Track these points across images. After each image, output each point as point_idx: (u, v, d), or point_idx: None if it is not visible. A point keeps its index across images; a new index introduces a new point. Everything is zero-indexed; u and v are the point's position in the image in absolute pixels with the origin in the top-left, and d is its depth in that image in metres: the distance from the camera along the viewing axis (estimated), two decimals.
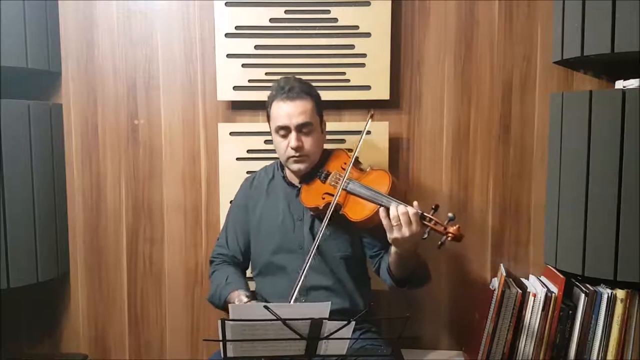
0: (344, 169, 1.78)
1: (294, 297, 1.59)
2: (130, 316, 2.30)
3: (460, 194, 2.19)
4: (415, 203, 1.60)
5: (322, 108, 1.84)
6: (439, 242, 1.57)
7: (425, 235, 1.59)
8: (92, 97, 2.23)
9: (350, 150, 1.99)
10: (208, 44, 2.18)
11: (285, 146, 1.76)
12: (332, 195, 1.72)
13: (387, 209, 1.59)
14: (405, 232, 1.55)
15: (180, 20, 2.19)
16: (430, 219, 1.59)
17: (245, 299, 1.69)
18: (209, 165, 2.23)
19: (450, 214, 1.57)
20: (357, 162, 1.82)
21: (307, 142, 1.76)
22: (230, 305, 1.36)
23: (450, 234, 1.56)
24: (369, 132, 1.96)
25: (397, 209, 1.57)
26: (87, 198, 2.27)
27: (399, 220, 1.56)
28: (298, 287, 1.60)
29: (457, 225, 1.56)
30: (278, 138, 1.78)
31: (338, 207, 1.72)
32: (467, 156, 2.18)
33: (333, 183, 1.78)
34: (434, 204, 1.61)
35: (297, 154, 1.76)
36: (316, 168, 1.82)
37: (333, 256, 1.80)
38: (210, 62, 2.18)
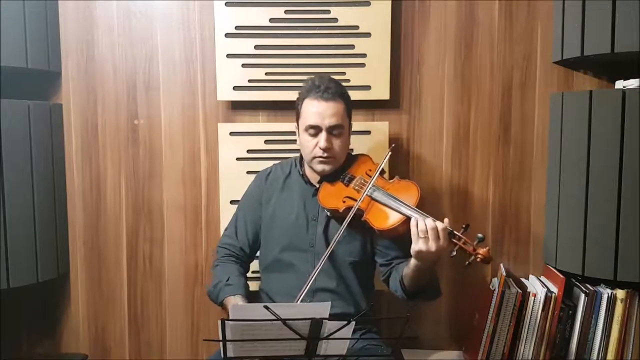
0: (368, 175, 1.78)
1: (301, 298, 1.59)
2: (130, 316, 2.30)
3: (460, 193, 2.19)
4: (446, 220, 1.59)
5: (351, 111, 1.83)
6: (467, 262, 1.57)
7: (454, 253, 1.58)
8: (92, 97, 2.23)
9: (351, 149, 1.99)
10: (208, 44, 2.18)
11: (313, 145, 1.75)
12: (354, 199, 1.72)
13: (417, 220, 1.59)
14: (432, 246, 1.54)
15: (180, 20, 2.19)
16: (460, 238, 1.58)
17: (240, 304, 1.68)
18: (209, 165, 2.23)
19: (480, 235, 1.56)
20: (381, 172, 1.80)
21: (336, 143, 1.75)
22: (230, 305, 1.36)
23: (480, 255, 1.56)
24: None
25: (427, 223, 1.56)
26: (87, 198, 2.27)
27: (427, 233, 1.55)
28: (307, 288, 1.60)
29: (487, 247, 1.56)
30: (306, 137, 1.76)
31: (360, 212, 1.70)
32: (467, 156, 2.18)
33: (357, 187, 1.76)
34: (465, 224, 1.60)
35: (325, 155, 1.74)
36: (339, 170, 1.81)
37: (343, 260, 1.79)
38: (210, 62, 2.18)
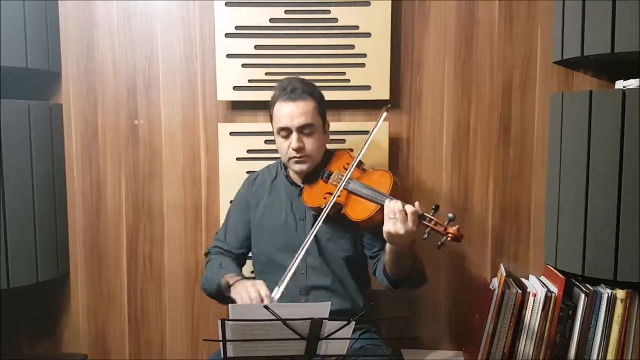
0: (345, 169, 1.79)
1: (283, 286, 1.58)
2: (130, 316, 2.30)
3: (461, 194, 2.19)
4: (416, 203, 1.60)
5: (325, 109, 1.83)
6: (439, 242, 1.58)
7: (425, 236, 1.59)
8: (92, 97, 2.24)
9: (351, 149, 1.99)
10: (208, 44, 2.18)
11: (286, 147, 1.77)
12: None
13: (388, 202, 1.60)
14: (400, 228, 1.55)
15: (180, 20, 2.19)
16: (430, 219, 1.59)
17: (237, 278, 1.70)
18: (209, 165, 2.23)
19: (450, 215, 1.58)
20: (360, 163, 1.82)
21: (309, 143, 1.76)
22: (230, 306, 1.36)
23: (450, 234, 1.57)
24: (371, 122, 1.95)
25: (395, 204, 1.57)
26: (87, 198, 2.27)
27: (395, 215, 1.56)
28: (286, 280, 1.60)
29: (456, 226, 1.57)
30: (280, 139, 1.79)
31: (339, 207, 1.72)
32: (467, 156, 2.18)
33: (335, 183, 1.78)
34: (434, 205, 1.61)
35: (298, 155, 1.76)
36: (319, 168, 1.83)
37: (336, 256, 1.80)
38: (210, 62, 2.18)
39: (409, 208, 1.57)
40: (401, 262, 1.67)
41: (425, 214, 1.60)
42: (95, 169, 2.26)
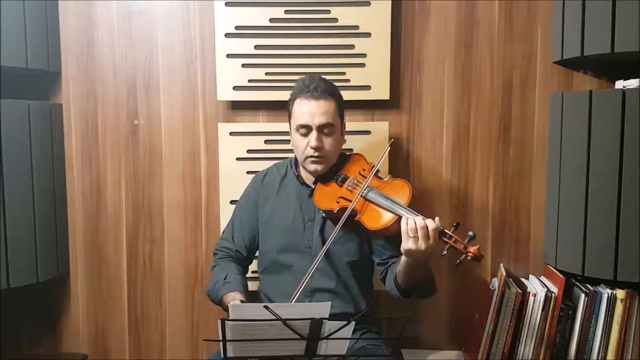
0: (362, 175, 1.78)
1: (296, 298, 1.58)
2: (130, 316, 2.30)
3: (460, 194, 2.19)
4: (436, 218, 1.58)
5: (343, 110, 1.83)
6: (458, 261, 1.56)
7: (444, 252, 1.58)
8: (92, 97, 2.23)
9: (351, 150, 1.99)
10: (208, 44, 2.18)
11: (304, 145, 1.75)
12: (348, 200, 1.71)
13: (407, 219, 1.58)
14: (422, 245, 1.54)
15: (180, 20, 2.19)
16: (451, 236, 1.58)
17: (237, 303, 1.66)
18: (209, 165, 2.23)
19: (470, 233, 1.56)
20: (376, 171, 1.80)
21: (327, 142, 1.75)
22: (230, 305, 1.36)
23: (470, 254, 1.55)
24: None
25: (417, 222, 1.55)
26: (87, 198, 2.27)
27: (417, 232, 1.54)
28: (301, 288, 1.59)
29: (477, 245, 1.56)
30: (298, 136, 1.76)
31: (354, 213, 1.70)
32: (467, 156, 2.18)
33: (350, 188, 1.76)
34: (455, 222, 1.60)
35: (316, 154, 1.74)
36: (333, 170, 1.81)
37: (340, 260, 1.79)
38: (210, 62, 2.18)
39: (429, 224, 1.55)
40: (414, 274, 1.65)
41: (445, 230, 1.58)
42: (95, 169, 2.26)
